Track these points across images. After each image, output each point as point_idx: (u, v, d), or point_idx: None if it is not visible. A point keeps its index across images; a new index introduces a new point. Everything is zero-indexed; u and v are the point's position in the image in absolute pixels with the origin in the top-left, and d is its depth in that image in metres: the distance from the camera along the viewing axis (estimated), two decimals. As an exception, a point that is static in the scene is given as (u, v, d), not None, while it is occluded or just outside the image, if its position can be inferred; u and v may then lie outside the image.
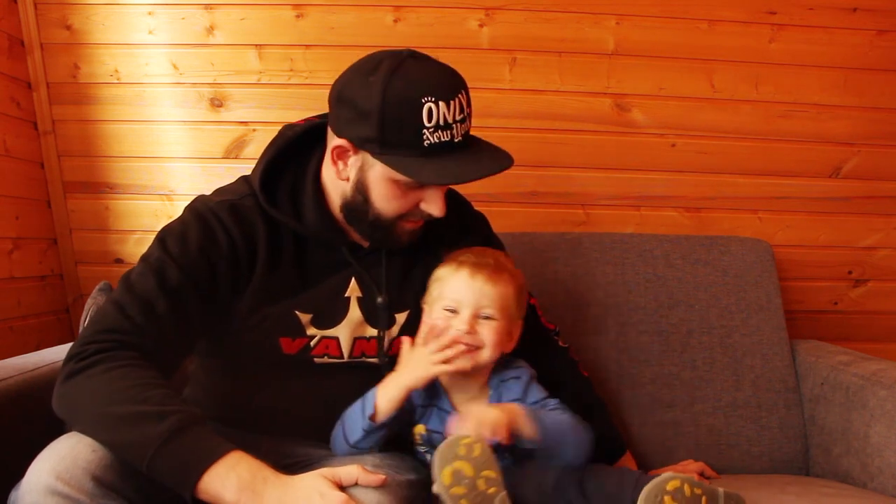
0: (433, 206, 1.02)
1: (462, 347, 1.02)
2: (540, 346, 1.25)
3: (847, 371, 1.39)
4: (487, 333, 1.03)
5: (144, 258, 1.01)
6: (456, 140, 0.97)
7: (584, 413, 1.25)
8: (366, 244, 1.11)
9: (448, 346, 1.02)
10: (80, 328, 1.25)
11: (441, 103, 0.94)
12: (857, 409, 1.33)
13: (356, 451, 1.04)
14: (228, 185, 1.13)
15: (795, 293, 1.80)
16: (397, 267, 1.12)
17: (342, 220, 1.08)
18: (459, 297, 1.04)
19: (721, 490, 0.98)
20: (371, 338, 1.11)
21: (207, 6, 1.65)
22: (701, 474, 1.32)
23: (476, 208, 1.28)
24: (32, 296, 1.63)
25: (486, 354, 1.04)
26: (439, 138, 0.95)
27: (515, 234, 1.52)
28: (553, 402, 1.08)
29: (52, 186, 1.70)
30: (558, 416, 1.04)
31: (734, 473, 1.43)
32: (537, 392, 1.09)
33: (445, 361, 1.02)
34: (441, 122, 0.95)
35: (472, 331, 1.03)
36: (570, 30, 1.68)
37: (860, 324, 1.85)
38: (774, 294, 1.55)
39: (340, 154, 1.02)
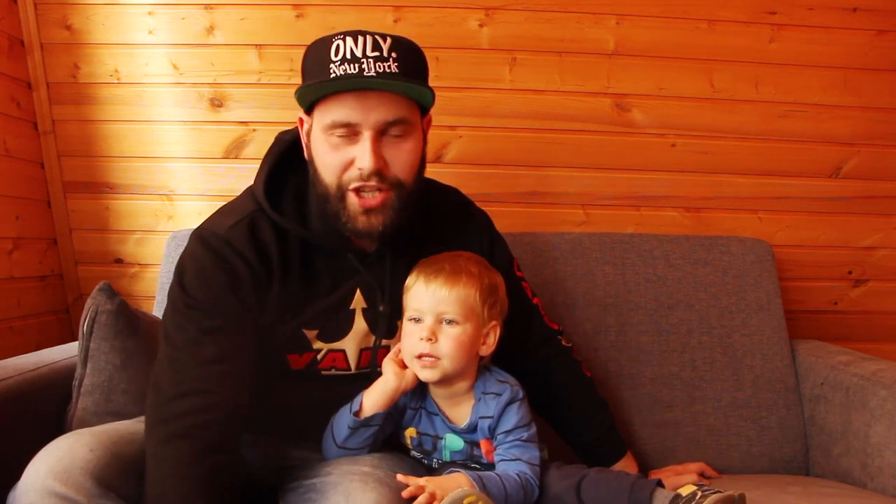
0: (361, 158, 0.97)
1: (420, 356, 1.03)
2: (543, 346, 1.25)
3: (847, 371, 1.39)
4: (447, 342, 1.02)
5: (174, 306, 1.00)
6: (367, 73, 0.94)
7: (587, 413, 1.26)
8: (370, 249, 1.10)
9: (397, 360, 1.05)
10: (80, 328, 1.25)
11: (349, 38, 0.96)
12: (857, 409, 1.33)
13: (344, 451, 1.04)
14: (233, 202, 1.10)
15: (795, 293, 1.80)
16: (401, 274, 1.10)
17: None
18: (419, 305, 1.04)
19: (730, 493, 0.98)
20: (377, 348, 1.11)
21: (207, 6, 1.65)
22: (701, 474, 1.32)
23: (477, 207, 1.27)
24: (32, 296, 1.63)
25: (448, 364, 1.03)
26: (345, 70, 0.94)
27: (515, 234, 1.52)
28: (526, 433, 1.06)
29: (52, 186, 1.70)
30: (498, 484, 1.00)
31: (734, 473, 1.43)
32: (515, 416, 1.05)
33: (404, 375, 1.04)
34: (348, 56, 0.95)
35: (433, 338, 1.02)
36: (570, 30, 1.68)
37: (860, 324, 1.85)
38: (774, 294, 1.55)
39: (301, 126, 1.06)
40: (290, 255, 1.05)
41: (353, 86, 0.96)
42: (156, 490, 0.88)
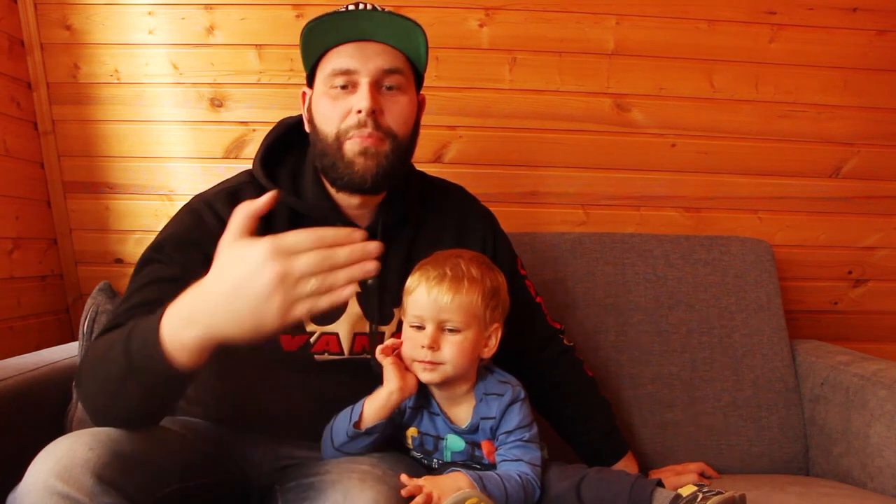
0: (358, 100, 1.03)
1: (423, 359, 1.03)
2: (546, 345, 1.25)
3: (847, 371, 1.39)
4: (449, 349, 1.02)
5: (138, 262, 1.03)
6: (361, 7, 1.04)
7: (589, 413, 1.26)
8: (362, 224, 1.10)
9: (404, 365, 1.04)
10: (80, 328, 1.25)
11: (350, 6, 1.05)
12: (857, 409, 1.33)
13: (341, 454, 1.04)
14: (229, 178, 1.15)
15: (795, 293, 1.80)
16: (397, 260, 1.11)
17: (340, 201, 1.09)
18: (421, 312, 1.03)
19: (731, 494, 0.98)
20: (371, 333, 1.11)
21: (207, 6, 1.65)
22: (701, 474, 1.32)
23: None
24: (32, 296, 1.63)
25: (450, 368, 1.03)
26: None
27: (515, 234, 1.51)
28: (528, 434, 1.06)
29: (52, 186, 1.70)
30: (499, 484, 1.00)
31: (734, 473, 1.43)
32: (517, 417, 1.05)
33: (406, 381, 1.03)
34: (343, 9, 1.04)
35: (435, 346, 1.02)
36: (570, 30, 1.68)
37: (860, 324, 1.85)
38: (774, 294, 1.55)
39: (304, 101, 1.12)
40: (273, 224, 1.06)
41: (351, 28, 1.02)
42: (103, 382, 0.87)
